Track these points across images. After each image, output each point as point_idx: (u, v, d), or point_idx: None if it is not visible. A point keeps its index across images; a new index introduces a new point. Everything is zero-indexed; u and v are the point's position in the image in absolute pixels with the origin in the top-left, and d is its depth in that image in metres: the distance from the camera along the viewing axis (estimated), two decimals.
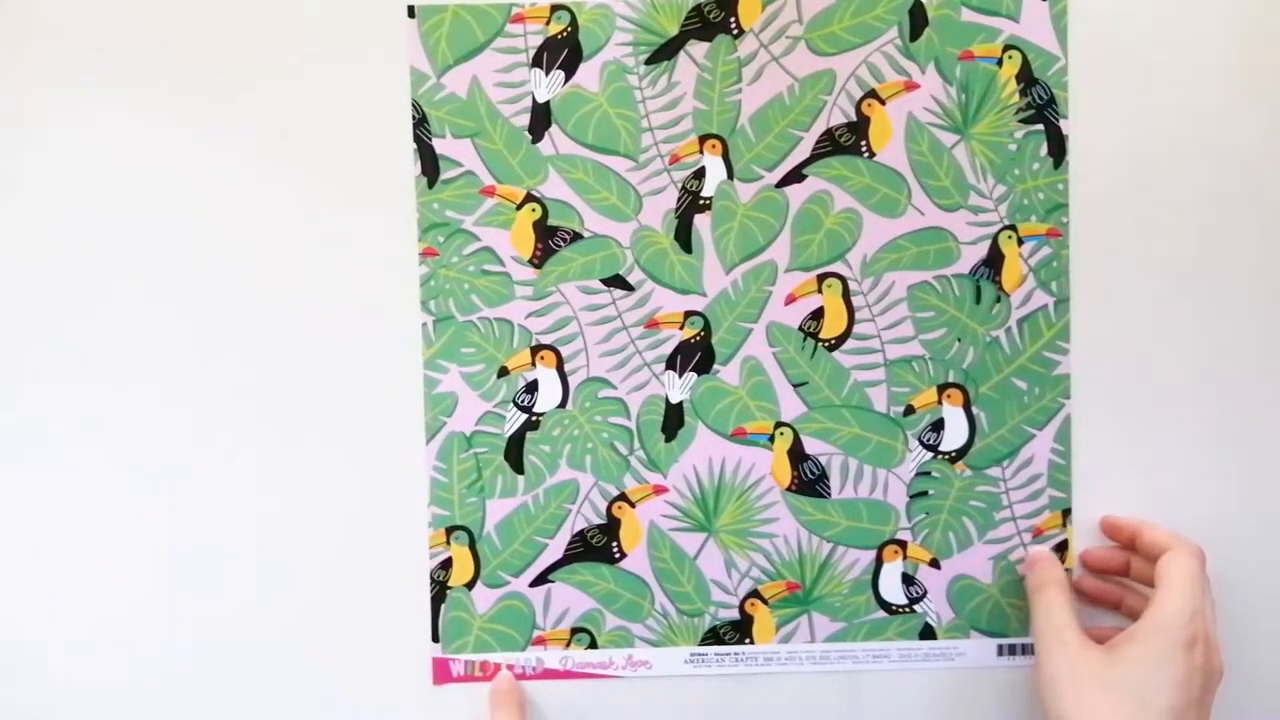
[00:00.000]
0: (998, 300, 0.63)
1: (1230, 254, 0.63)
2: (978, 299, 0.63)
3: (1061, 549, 0.64)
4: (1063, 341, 0.63)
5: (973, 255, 0.63)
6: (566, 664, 0.64)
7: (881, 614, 0.64)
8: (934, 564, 0.64)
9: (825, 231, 0.63)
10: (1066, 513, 0.64)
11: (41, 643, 0.64)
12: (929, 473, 0.64)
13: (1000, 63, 0.62)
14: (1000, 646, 0.64)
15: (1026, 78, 0.62)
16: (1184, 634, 0.54)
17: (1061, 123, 0.62)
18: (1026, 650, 0.64)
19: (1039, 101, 0.62)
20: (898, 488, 0.64)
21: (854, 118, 0.63)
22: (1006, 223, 0.63)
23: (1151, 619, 0.56)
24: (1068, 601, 0.60)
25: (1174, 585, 0.56)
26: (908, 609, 0.64)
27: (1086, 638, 0.58)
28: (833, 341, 0.63)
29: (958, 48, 0.62)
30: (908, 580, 0.64)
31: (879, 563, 0.64)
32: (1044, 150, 0.63)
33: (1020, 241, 0.63)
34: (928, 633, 0.64)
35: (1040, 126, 0.63)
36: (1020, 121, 0.63)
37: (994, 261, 0.63)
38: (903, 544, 0.64)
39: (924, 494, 0.64)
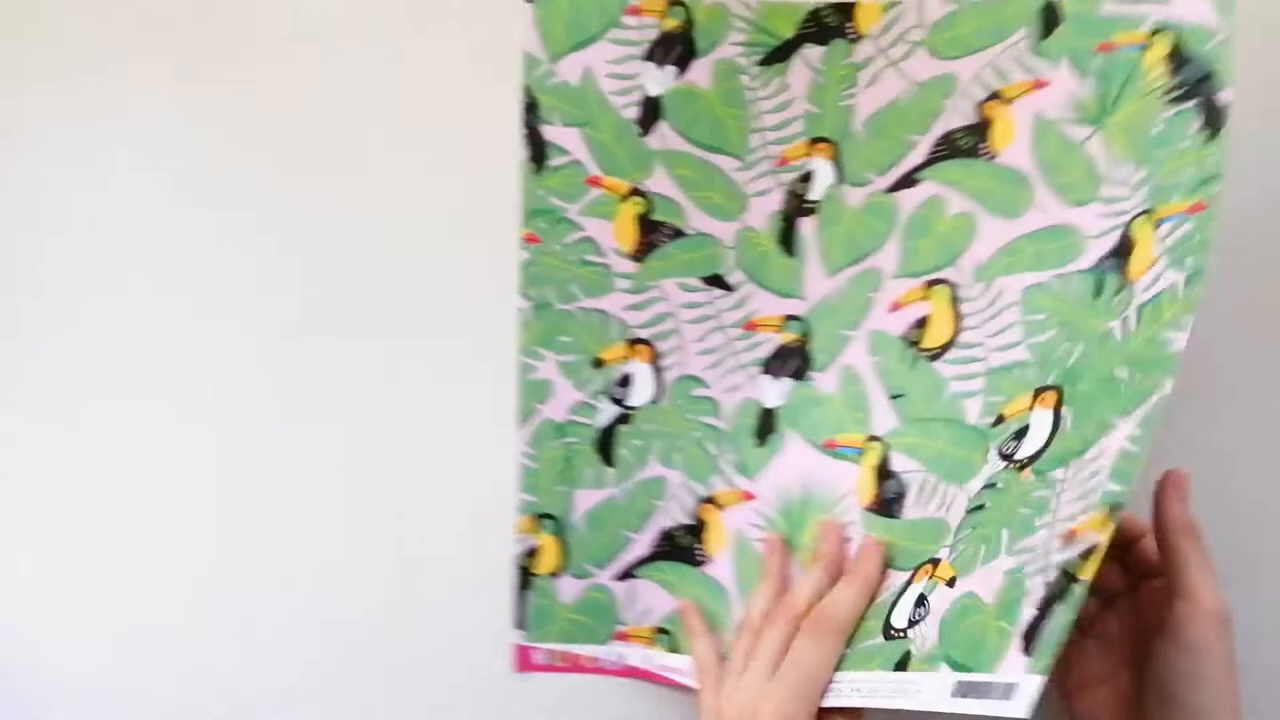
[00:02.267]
0: (1119, 291, 0.56)
1: None
2: (1097, 293, 0.57)
3: (1087, 556, 0.51)
4: (1187, 316, 0.52)
5: (1099, 249, 0.57)
6: (648, 663, 0.63)
7: (878, 640, 0.56)
8: (950, 583, 0.56)
9: (937, 236, 0.60)
10: (1115, 507, 0.51)
11: (84, 646, 0.67)
12: (994, 484, 0.57)
13: (1146, 47, 0.56)
14: (960, 684, 0.53)
15: (1178, 57, 0.55)
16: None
17: (1222, 94, 0.53)
18: (987, 691, 0.51)
19: (1192, 78, 0.54)
20: (960, 504, 0.58)
21: (975, 120, 0.59)
22: (1144, 208, 0.56)
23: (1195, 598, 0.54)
24: None
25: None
26: (901, 634, 0.56)
27: None
28: (935, 351, 0.60)
29: (1095, 40, 0.57)
30: (920, 601, 0.56)
31: (908, 583, 0.57)
32: (1195, 128, 0.54)
33: (1157, 224, 0.55)
34: (902, 664, 0.56)
35: (1192, 104, 0.54)
36: (1169, 103, 0.55)
37: (1122, 251, 0.56)
38: (936, 561, 0.57)
39: (980, 508, 0.57)
